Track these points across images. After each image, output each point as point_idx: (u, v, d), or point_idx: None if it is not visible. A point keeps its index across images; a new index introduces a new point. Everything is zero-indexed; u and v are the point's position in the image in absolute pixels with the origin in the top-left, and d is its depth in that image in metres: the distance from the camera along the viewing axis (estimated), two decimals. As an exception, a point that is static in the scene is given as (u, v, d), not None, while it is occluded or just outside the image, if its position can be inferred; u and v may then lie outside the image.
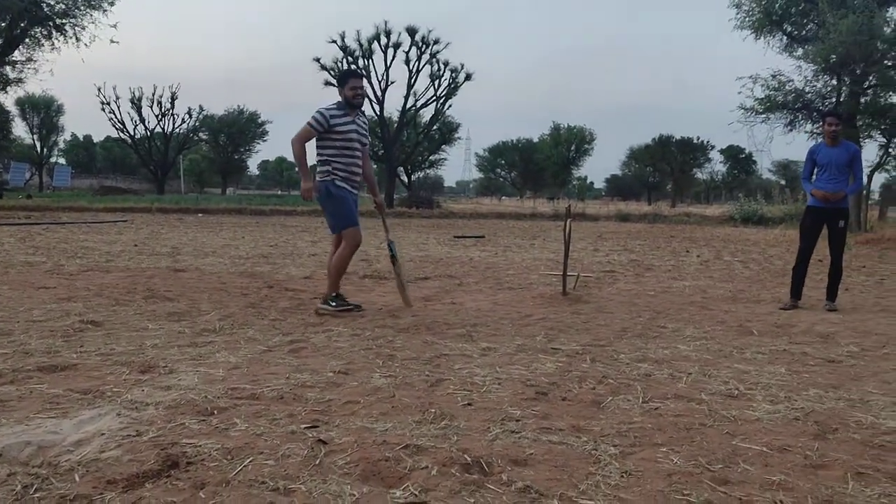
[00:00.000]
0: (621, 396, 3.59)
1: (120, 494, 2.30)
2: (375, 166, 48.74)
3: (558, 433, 2.99)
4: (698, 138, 71.46)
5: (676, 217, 32.81)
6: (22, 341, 4.48)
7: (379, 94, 35.87)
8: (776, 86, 22.26)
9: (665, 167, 72.61)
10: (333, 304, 5.83)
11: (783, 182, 57.76)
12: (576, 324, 5.73)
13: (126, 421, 2.99)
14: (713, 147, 73.09)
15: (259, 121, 69.28)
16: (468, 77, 36.28)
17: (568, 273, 7.36)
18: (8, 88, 24.98)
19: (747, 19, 22.97)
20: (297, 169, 6.28)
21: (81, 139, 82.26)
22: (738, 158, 76.30)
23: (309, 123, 5.81)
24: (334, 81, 35.09)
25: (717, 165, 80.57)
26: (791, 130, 23.21)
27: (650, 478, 2.53)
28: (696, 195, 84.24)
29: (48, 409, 3.14)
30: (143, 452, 2.63)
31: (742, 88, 22.96)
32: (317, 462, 2.59)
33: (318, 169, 5.95)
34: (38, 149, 63.14)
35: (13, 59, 26.49)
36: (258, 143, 71.08)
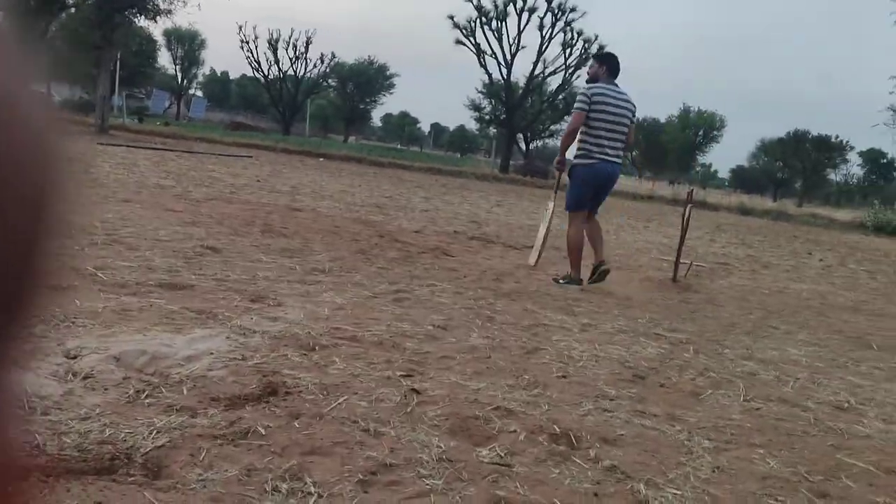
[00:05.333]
0: (722, 391, 3.48)
1: (222, 412, 2.41)
2: (495, 130, 48.55)
3: (652, 418, 2.93)
4: (836, 137, 67.43)
5: (802, 217, 31.15)
6: (147, 258, 4.75)
7: (508, 57, 35.60)
8: (935, 89, 20.73)
9: (797, 164, 68.94)
10: None
11: (927, 193, 53.78)
12: (682, 312, 5.57)
13: (234, 345, 3.13)
14: (852, 148, 68.90)
15: (387, 73, 70.08)
16: (601, 49, 35.45)
17: (681, 261, 7.15)
18: (157, 18, 26.01)
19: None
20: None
21: (219, 74, 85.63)
22: (878, 163, 71.71)
23: None
24: (465, 41, 35.40)
25: (853, 168, 75.97)
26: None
27: (743, 478, 2.45)
28: (826, 196, 79.79)
29: (164, 323, 3.33)
30: (247, 376, 2.75)
31: (895, 88, 21.52)
32: (408, 410, 2.64)
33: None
34: (179, 79, 66.19)
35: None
36: (384, 95, 72.05)
